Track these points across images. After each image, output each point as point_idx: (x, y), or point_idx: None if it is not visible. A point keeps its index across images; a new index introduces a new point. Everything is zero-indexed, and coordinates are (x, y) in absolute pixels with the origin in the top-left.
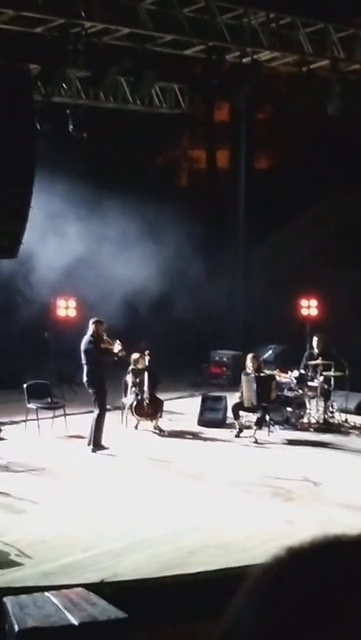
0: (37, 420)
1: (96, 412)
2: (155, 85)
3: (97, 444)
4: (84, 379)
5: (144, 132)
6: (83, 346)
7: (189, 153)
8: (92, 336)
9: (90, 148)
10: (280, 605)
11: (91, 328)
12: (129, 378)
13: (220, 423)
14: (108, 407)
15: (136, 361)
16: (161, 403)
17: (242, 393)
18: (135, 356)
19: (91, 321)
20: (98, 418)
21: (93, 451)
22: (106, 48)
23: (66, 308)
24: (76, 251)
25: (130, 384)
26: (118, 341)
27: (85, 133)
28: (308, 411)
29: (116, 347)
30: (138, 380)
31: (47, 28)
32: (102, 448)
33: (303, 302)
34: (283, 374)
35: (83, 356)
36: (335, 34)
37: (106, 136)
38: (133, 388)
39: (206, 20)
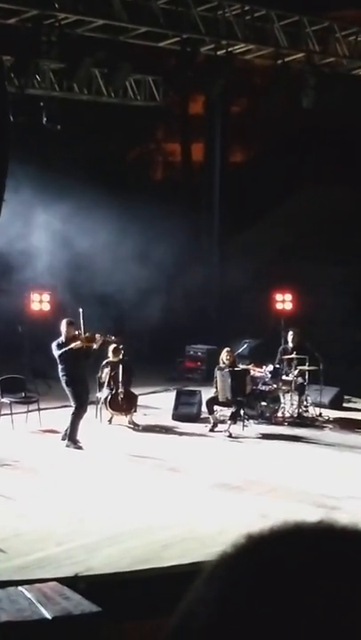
0: (11, 414)
1: (73, 407)
2: (129, 77)
3: (71, 440)
4: (60, 375)
5: (118, 124)
6: (52, 350)
7: (164, 146)
8: (59, 342)
9: (64, 141)
10: (238, 591)
11: (63, 331)
12: (104, 374)
13: (195, 418)
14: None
15: (113, 352)
16: (135, 397)
17: (216, 387)
18: (112, 347)
19: (62, 323)
20: (74, 413)
21: (67, 445)
22: (79, 40)
23: (40, 302)
24: (50, 244)
25: (104, 379)
26: (98, 335)
27: (59, 126)
28: (282, 405)
29: (98, 342)
30: (113, 374)
31: (20, 19)
32: (76, 444)
33: (278, 297)
34: (257, 368)
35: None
36: (310, 27)
37: (80, 128)
38: (107, 382)
39: (181, 11)
